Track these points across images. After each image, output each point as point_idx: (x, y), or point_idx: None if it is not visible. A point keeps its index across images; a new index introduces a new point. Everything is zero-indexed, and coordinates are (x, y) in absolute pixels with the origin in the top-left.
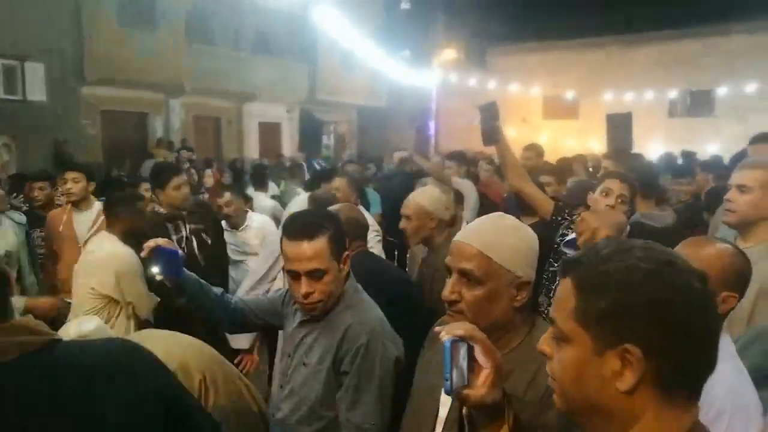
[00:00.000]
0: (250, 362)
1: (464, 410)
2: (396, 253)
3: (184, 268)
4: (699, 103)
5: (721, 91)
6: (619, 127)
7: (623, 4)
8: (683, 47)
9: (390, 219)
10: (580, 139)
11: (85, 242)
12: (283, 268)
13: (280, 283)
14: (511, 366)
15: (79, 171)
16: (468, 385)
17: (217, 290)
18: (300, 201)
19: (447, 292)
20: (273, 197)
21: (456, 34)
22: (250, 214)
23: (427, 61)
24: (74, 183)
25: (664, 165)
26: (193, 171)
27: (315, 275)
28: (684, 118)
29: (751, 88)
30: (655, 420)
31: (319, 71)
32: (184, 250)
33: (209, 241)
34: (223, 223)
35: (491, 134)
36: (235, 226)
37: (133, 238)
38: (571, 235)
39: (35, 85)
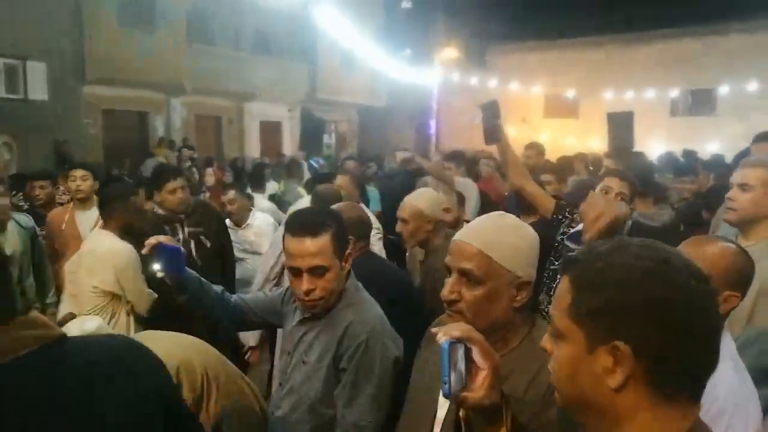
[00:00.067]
0: (254, 356)
1: (461, 412)
2: (396, 251)
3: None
4: (700, 102)
5: (723, 90)
6: (621, 126)
7: (623, 4)
8: (683, 46)
9: (390, 218)
10: (581, 138)
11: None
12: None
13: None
14: (511, 366)
15: (87, 169)
16: (465, 387)
17: (217, 288)
18: (303, 204)
19: (446, 292)
20: (273, 196)
21: (456, 34)
22: (253, 212)
23: (427, 61)
24: (83, 181)
25: (665, 164)
26: (194, 170)
27: (317, 272)
28: (686, 117)
29: (752, 86)
30: (653, 419)
31: (319, 71)
32: None
33: (208, 244)
34: (228, 221)
35: (492, 133)
36: (238, 223)
37: (131, 234)
38: (575, 228)
39: (36, 85)
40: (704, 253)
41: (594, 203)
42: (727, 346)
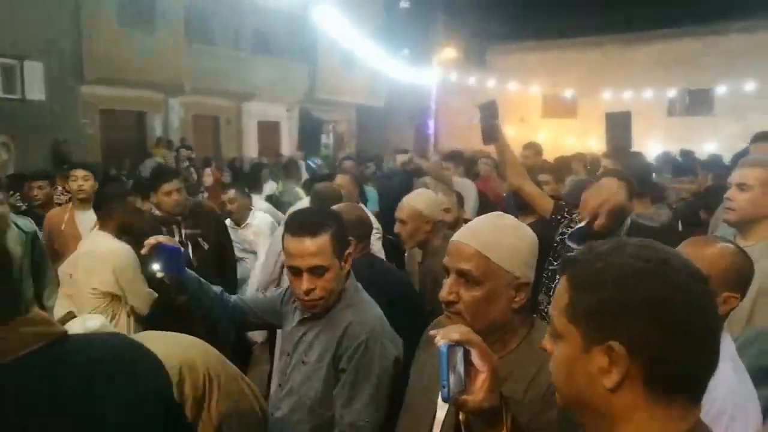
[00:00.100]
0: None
1: (461, 415)
2: (395, 251)
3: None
4: (698, 102)
5: (720, 90)
6: (618, 126)
7: (623, 4)
8: (683, 46)
9: (389, 218)
10: (579, 138)
11: None
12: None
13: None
14: (510, 368)
15: (88, 169)
16: (465, 390)
17: (216, 289)
18: (303, 204)
19: (444, 293)
20: (271, 197)
21: (455, 34)
22: (253, 212)
23: (426, 60)
24: (84, 181)
25: (662, 164)
26: (192, 170)
27: (317, 272)
28: (683, 117)
29: (749, 86)
30: (650, 419)
31: (318, 71)
32: None
33: (206, 246)
34: (228, 221)
35: (491, 133)
36: (238, 223)
37: (129, 234)
38: (578, 226)
39: (34, 85)
40: (703, 253)
41: (596, 191)
42: (727, 346)
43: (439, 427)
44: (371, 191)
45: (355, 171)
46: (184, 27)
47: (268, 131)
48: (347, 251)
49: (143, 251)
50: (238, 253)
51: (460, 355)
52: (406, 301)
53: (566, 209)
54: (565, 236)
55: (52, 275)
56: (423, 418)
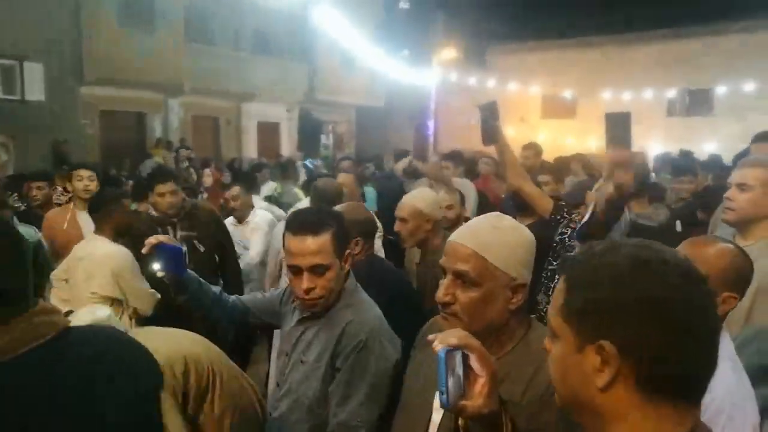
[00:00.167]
0: None
1: (460, 421)
2: (394, 251)
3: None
4: (697, 103)
5: (720, 90)
6: (618, 126)
7: (623, 4)
8: (683, 46)
9: (388, 218)
10: (579, 139)
11: None
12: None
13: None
14: (507, 369)
15: (92, 169)
16: (464, 395)
17: (216, 289)
18: (303, 204)
19: (441, 294)
20: (269, 198)
21: (455, 34)
22: (255, 210)
23: (426, 61)
24: (90, 181)
25: (661, 164)
26: (192, 170)
27: (317, 271)
28: (682, 117)
29: (749, 87)
30: (644, 419)
31: (318, 71)
32: None
33: (202, 249)
34: (231, 218)
35: (491, 133)
36: (240, 219)
37: (125, 237)
38: (581, 222)
39: (34, 85)
40: (703, 253)
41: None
42: (726, 346)
43: (435, 429)
44: (370, 191)
45: (354, 171)
46: (183, 27)
47: (268, 132)
48: (347, 251)
49: (144, 250)
50: (238, 250)
51: (458, 359)
52: (406, 299)
53: (566, 209)
54: (565, 236)
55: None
56: (419, 420)
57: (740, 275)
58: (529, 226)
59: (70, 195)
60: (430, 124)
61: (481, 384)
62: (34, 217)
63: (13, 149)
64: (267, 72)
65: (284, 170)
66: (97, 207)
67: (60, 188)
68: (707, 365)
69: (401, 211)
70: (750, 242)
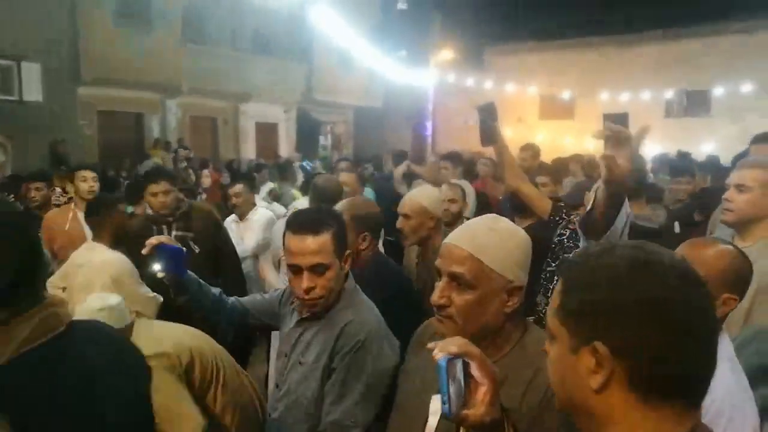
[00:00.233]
0: None
1: (462, 430)
2: (394, 251)
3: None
4: (695, 103)
5: (718, 91)
6: None
7: (621, 4)
8: (681, 47)
9: (388, 218)
10: (577, 139)
11: None
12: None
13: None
14: (505, 372)
15: (94, 170)
16: (465, 403)
17: (215, 290)
18: (303, 204)
19: (436, 297)
20: (271, 191)
21: (453, 34)
22: (256, 207)
23: (424, 61)
24: (94, 182)
25: (659, 164)
26: (190, 171)
27: (317, 270)
28: (680, 118)
29: (747, 88)
30: (644, 419)
31: (316, 71)
32: None
33: (197, 249)
34: (232, 216)
35: (489, 134)
36: (242, 216)
37: (124, 241)
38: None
39: (31, 85)
40: (702, 255)
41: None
42: (725, 347)
43: None
44: (369, 191)
45: (353, 172)
46: (181, 27)
47: (266, 132)
48: (347, 252)
49: (144, 251)
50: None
51: (459, 367)
52: (406, 296)
53: (564, 211)
54: (564, 237)
55: None
56: (415, 422)
57: (739, 276)
58: (528, 228)
59: (69, 196)
60: (428, 124)
61: (482, 392)
62: (32, 218)
63: (11, 150)
64: (265, 72)
65: (282, 171)
66: (92, 211)
67: (59, 189)
68: (707, 365)
69: (404, 208)
70: (749, 243)
